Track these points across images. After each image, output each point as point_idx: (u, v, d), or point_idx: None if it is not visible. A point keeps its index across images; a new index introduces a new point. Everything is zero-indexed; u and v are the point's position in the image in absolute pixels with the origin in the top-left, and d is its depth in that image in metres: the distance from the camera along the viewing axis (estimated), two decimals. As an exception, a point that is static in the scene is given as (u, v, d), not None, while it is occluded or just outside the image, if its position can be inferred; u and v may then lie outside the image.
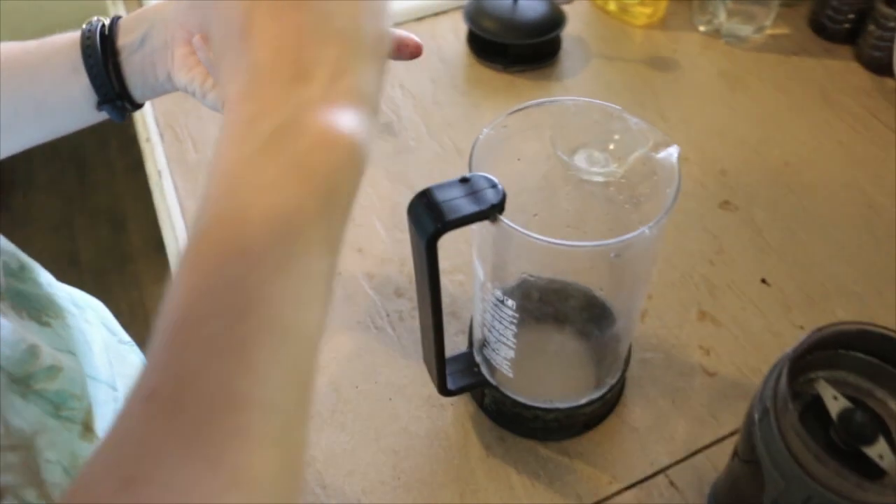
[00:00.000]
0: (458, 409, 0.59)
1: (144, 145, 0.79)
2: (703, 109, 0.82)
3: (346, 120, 0.30)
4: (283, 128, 0.29)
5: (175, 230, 0.71)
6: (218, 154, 0.30)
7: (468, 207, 0.41)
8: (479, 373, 0.55)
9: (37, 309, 0.46)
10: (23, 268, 0.48)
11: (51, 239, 2.04)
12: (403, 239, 0.68)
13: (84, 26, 0.51)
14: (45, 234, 2.05)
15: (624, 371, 0.58)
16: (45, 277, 0.50)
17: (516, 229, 0.41)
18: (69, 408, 0.43)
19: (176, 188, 0.74)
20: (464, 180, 0.42)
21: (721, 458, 0.56)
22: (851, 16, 0.88)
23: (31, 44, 0.52)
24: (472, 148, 0.45)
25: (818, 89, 0.85)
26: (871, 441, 0.41)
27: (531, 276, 0.48)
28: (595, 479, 0.55)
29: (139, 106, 0.53)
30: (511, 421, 0.57)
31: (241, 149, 0.29)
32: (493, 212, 0.42)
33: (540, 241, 0.41)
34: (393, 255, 0.68)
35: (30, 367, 0.40)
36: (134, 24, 0.51)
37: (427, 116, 0.80)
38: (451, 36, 0.90)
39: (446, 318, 0.64)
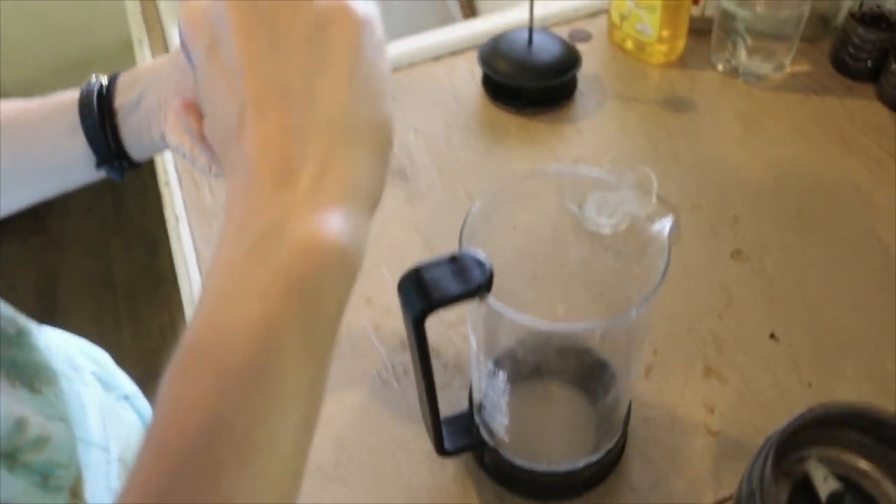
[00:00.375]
0: (458, 466, 0.59)
1: (163, 189, 0.81)
2: (719, 153, 0.81)
3: (333, 222, 0.30)
4: (268, 234, 0.29)
5: (190, 278, 0.72)
6: (215, 256, 0.30)
7: (455, 287, 0.42)
8: (478, 434, 0.56)
9: (30, 376, 0.47)
10: (20, 332, 0.49)
11: (86, 261, 2.10)
12: (411, 289, 0.69)
13: (83, 86, 0.52)
14: (81, 257, 2.10)
15: (624, 431, 0.58)
16: (43, 340, 0.51)
17: (502, 310, 0.42)
18: (56, 476, 0.44)
19: (192, 234, 0.75)
20: (453, 259, 0.43)
21: (722, 520, 0.56)
22: (874, 54, 0.86)
23: (34, 102, 0.54)
24: (463, 225, 0.46)
25: (837, 130, 0.83)
26: (859, 530, 0.41)
27: (523, 345, 0.48)
28: (593, 541, 0.55)
29: (138, 165, 0.54)
30: (510, 480, 0.57)
31: (232, 253, 0.30)
32: (480, 291, 0.42)
33: (525, 322, 0.42)
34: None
35: (17, 440, 0.42)
36: (130, 84, 0.52)
37: (440, 161, 0.81)
38: (467, 76, 0.91)
39: (451, 374, 0.64)
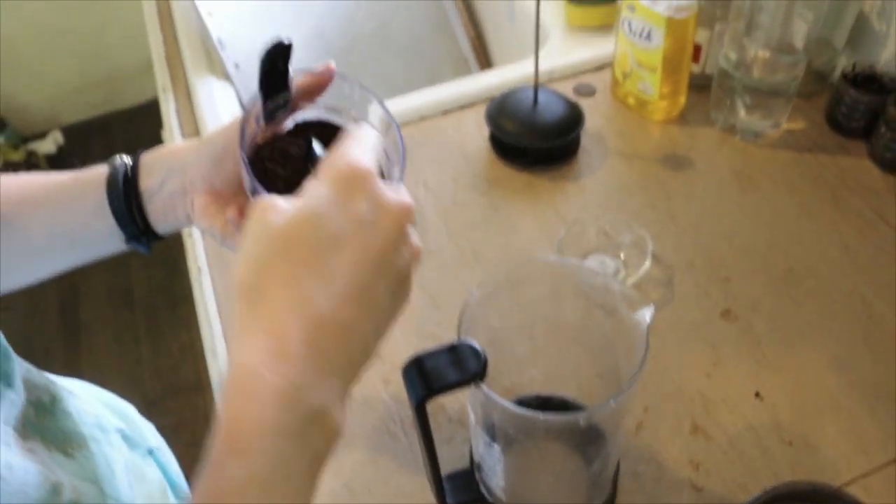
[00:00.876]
0: (459, 517, 0.64)
1: (186, 241, 0.86)
2: (714, 211, 0.86)
3: (344, 410, 0.37)
4: (312, 419, 0.36)
5: (211, 327, 0.77)
6: (234, 387, 0.36)
7: (453, 376, 0.46)
8: (478, 490, 0.61)
9: (63, 442, 0.51)
10: (54, 400, 0.53)
11: (107, 277, 2.16)
12: (420, 345, 0.73)
13: (109, 169, 0.56)
14: (102, 273, 2.16)
15: (614, 486, 0.62)
16: (74, 405, 0.55)
17: (495, 398, 0.47)
18: None
19: (214, 286, 0.81)
20: (451, 349, 0.48)
21: (704, 573, 0.60)
22: (865, 114, 0.90)
23: (65, 177, 0.58)
24: (461, 314, 0.50)
25: (829, 189, 0.87)
26: None
27: (515, 424, 0.53)
28: (581, 593, 0.60)
29: (163, 238, 0.59)
30: (507, 532, 0.62)
31: (268, 415, 0.35)
32: (475, 379, 0.47)
33: (517, 411, 0.46)
34: (408, 360, 0.74)
35: None
36: (154, 167, 0.56)
37: (448, 218, 0.85)
38: (474, 130, 0.95)
39: (454, 427, 0.69)
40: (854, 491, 0.60)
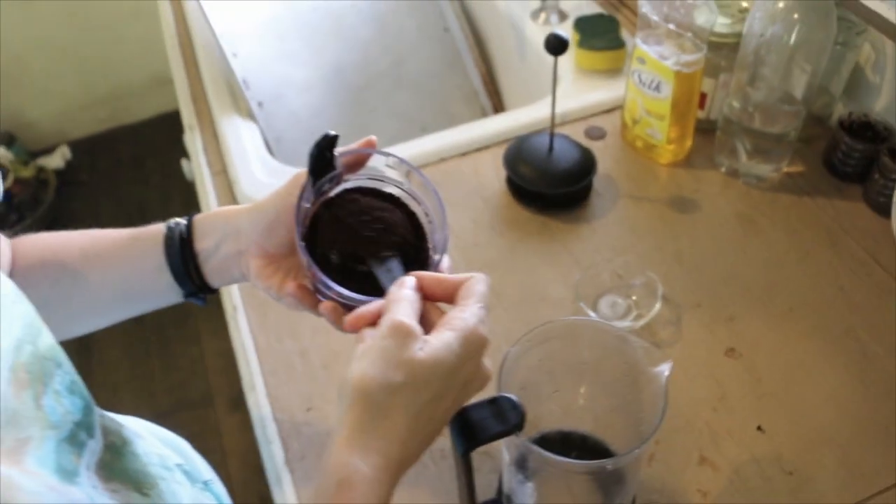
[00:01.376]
0: (488, 545, 0.69)
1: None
2: (718, 253, 0.91)
3: None
4: None
5: (249, 365, 0.83)
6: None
7: (495, 427, 0.52)
8: (506, 520, 0.66)
9: (138, 482, 0.55)
10: (125, 443, 0.57)
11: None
12: (445, 381, 0.79)
13: (164, 231, 0.61)
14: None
15: (631, 518, 0.68)
16: (141, 447, 0.59)
17: (533, 448, 0.52)
18: None
19: (249, 324, 0.86)
20: (492, 401, 0.53)
21: None
22: (861, 161, 0.96)
23: (125, 237, 0.63)
24: (500, 368, 0.56)
25: (826, 232, 0.93)
26: None
27: (549, 466, 0.58)
28: None
29: (217, 290, 0.65)
30: (533, 560, 0.67)
31: None
32: (514, 429, 0.52)
33: (552, 459, 0.52)
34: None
35: None
36: (208, 230, 0.61)
37: (468, 258, 0.91)
38: (491, 173, 1.01)
39: (482, 459, 0.74)
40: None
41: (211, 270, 0.62)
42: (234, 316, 0.88)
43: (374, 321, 0.50)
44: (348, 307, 0.53)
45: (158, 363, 2.07)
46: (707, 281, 0.88)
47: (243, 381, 0.83)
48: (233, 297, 0.89)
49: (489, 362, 0.51)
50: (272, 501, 0.75)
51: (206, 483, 0.68)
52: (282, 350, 0.84)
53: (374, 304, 0.51)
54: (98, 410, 0.58)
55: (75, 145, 2.66)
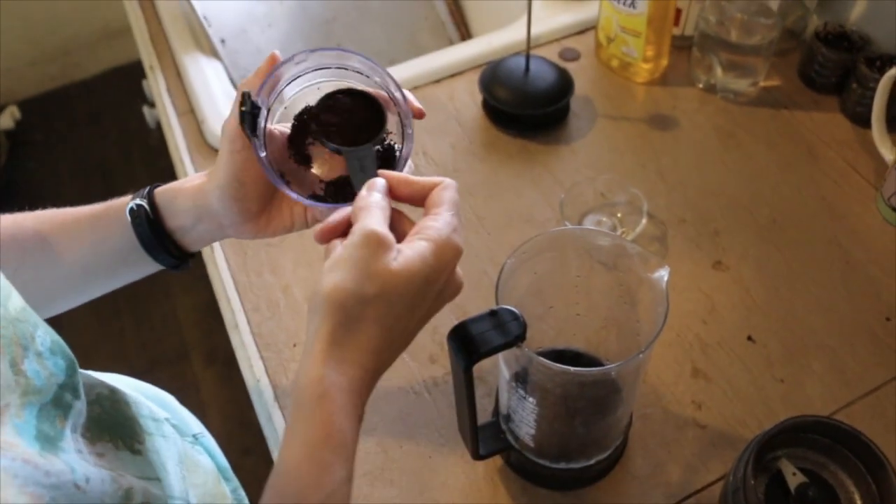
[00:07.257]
0: (488, 465, 0.69)
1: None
2: (700, 168, 0.91)
3: None
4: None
5: (231, 303, 0.81)
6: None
7: (497, 339, 0.51)
8: (505, 439, 0.66)
9: (129, 437, 0.52)
10: (113, 391, 0.54)
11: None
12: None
13: (130, 217, 0.56)
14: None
15: (627, 430, 0.68)
16: (130, 397, 0.56)
17: (536, 359, 0.51)
18: None
19: (227, 261, 0.84)
20: (492, 313, 0.52)
21: (710, 500, 0.66)
22: (837, 71, 0.96)
23: (89, 215, 0.58)
24: (497, 280, 0.55)
25: (805, 144, 0.93)
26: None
27: (552, 380, 0.57)
28: (604, 525, 0.66)
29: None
30: (533, 476, 0.67)
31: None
32: (516, 341, 0.51)
33: (556, 368, 0.51)
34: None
35: None
36: (179, 209, 0.57)
37: (450, 185, 0.89)
38: (467, 98, 0.99)
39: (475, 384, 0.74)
40: (839, 419, 0.67)
41: (192, 242, 0.59)
42: (210, 256, 0.85)
43: (344, 231, 0.47)
44: None
45: (129, 321, 2.03)
46: (690, 196, 0.88)
47: (226, 321, 0.81)
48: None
49: (461, 272, 0.49)
50: (255, 452, 0.73)
51: (195, 437, 0.66)
52: (263, 286, 0.82)
53: (341, 213, 0.48)
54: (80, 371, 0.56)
55: (25, 105, 2.56)
